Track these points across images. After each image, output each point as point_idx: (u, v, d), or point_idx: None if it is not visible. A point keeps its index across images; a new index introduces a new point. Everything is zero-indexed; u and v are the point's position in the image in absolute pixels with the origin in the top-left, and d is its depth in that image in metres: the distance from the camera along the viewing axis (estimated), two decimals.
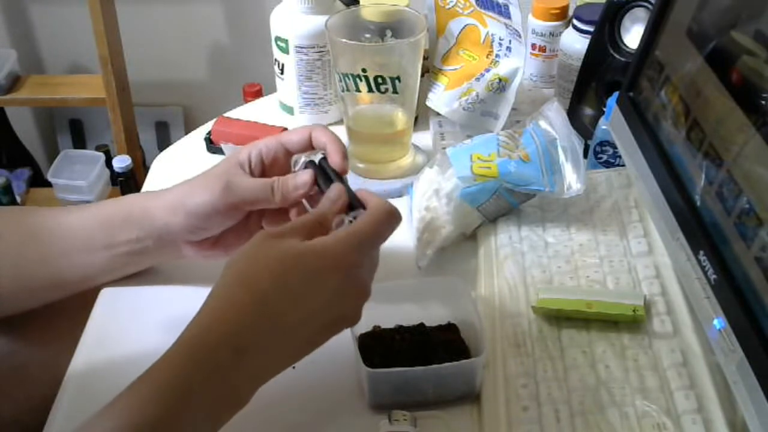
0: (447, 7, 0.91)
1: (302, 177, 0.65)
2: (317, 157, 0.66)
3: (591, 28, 0.86)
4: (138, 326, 0.69)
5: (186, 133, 0.99)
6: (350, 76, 0.79)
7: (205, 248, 0.68)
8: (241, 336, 0.52)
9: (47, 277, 0.68)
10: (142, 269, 0.72)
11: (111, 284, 0.72)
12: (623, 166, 0.77)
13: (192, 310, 0.54)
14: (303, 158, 0.66)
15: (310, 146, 0.66)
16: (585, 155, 0.80)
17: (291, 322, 0.53)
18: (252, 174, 0.66)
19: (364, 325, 0.63)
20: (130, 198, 0.70)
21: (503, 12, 0.90)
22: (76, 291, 0.70)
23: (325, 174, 0.66)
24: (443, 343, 0.62)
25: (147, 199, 0.68)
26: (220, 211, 0.65)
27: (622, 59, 0.83)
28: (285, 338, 0.54)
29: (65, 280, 0.69)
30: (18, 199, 1.87)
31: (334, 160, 0.65)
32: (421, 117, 0.93)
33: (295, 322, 0.53)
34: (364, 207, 0.61)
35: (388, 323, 0.63)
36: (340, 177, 0.65)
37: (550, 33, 0.95)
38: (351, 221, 0.60)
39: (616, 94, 0.74)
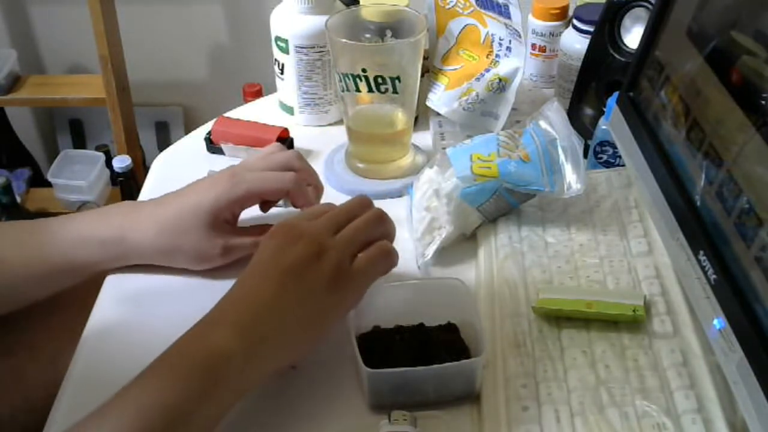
0: (447, 7, 0.91)
1: None
2: None
3: (591, 28, 0.86)
4: (142, 318, 0.69)
5: (186, 133, 0.99)
6: (350, 76, 0.79)
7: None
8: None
9: (53, 259, 0.69)
10: None
11: (117, 272, 0.72)
12: (623, 166, 0.77)
13: (198, 299, 0.57)
14: None
15: (286, 196, 0.71)
16: (585, 155, 0.80)
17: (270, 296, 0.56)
18: (234, 219, 0.71)
19: (363, 325, 0.63)
20: (111, 246, 0.70)
21: (503, 12, 0.90)
22: (86, 275, 0.71)
23: None
24: (443, 343, 0.62)
25: (133, 247, 0.70)
26: (214, 265, 0.71)
27: (622, 59, 0.83)
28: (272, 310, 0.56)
29: (73, 263, 0.69)
30: (18, 199, 1.87)
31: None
32: (421, 117, 0.93)
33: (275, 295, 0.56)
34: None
35: (388, 323, 0.63)
36: None
37: (550, 33, 0.95)
38: None
39: (616, 94, 0.74)
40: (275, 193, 0.70)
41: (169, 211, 0.69)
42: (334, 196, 0.83)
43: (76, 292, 0.72)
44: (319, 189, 0.74)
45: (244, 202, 0.70)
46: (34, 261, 0.68)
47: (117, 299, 0.71)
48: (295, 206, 0.72)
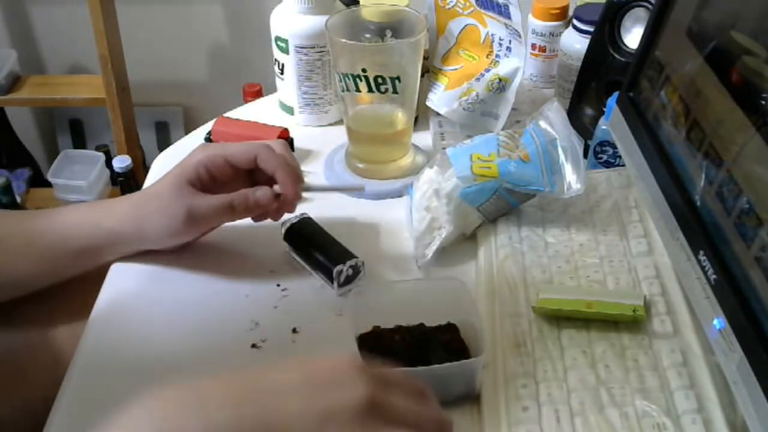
0: (447, 7, 0.91)
1: (262, 191, 0.68)
2: (296, 219, 0.73)
3: (591, 28, 0.86)
4: (143, 319, 0.69)
5: (186, 133, 0.99)
6: (350, 76, 0.79)
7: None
8: None
9: (51, 238, 0.69)
10: None
11: (121, 261, 0.73)
12: (623, 166, 0.77)
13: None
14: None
15: (255, 164, 0.68)
16: (585, 155, 0.80)
17: None
18: (203, 188, 0.68)
19: (363, 325, 0.63)
20: (101, 222, 0.70)
21: (503, 12, 0.90)
22: (85, 263, 0.71)
23: (307, 233, 0.73)
24: (443, 343, 0.62)
25: (111, 223, 0.70)
26: (183, 233, 0.70)
27: (622, 59, 0.83)
28: None
29: (70, 245, 0.70)
30: (18, 199, 1.87)
31: (285, 190, 0.69)
32: (421, 117, 0.93)
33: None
34: (355, 256, 0.69)
35: (388, 323, 0.63)
36: (323, 235, 0.72)
37: (550, 33, 0.95)
38: (350, 268, 0.68)
39: (616, 94, 0.74)
40: (242, 157, 0.68)
41: (147, 189, 0.70)
42: (334, 195, 0.83)
43: (76, 293, 0.72)
44: (299, 179, 0.71)
45: (210, 164, 0.68)
46: (33, 244, 0.69)
47: (117, 301, 0.71)
48: (265, 170, 0.68)
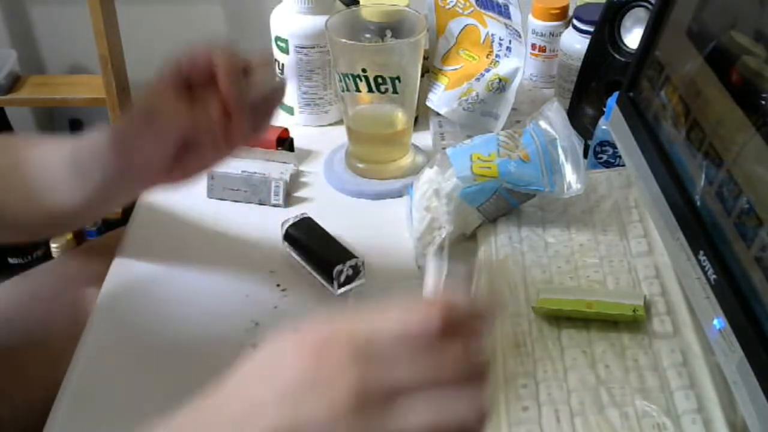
0: (447, 7, 0.91)
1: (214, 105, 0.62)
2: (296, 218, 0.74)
3: (591, 28, 0.86)
4: (143, 319, 0.69)
5: None
6: (350, 76, 0.79)
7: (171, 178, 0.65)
8: None
9: (34, 210, 0.65)
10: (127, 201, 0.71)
11: (122, 259, 0.73)
12: (623, 166, 0.77)
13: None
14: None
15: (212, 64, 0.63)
16: (585, 155, 0.80)
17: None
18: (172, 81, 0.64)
19: None
20: (90, 143, 0.68)
21: (503, 12, 0.90)
22: (69, 224, 0.68)
23: (307, 233, 0.73)
24: None
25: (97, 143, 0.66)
26: (147, 133, 0.62)
27: (622, 59, 0.83)
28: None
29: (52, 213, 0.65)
30: None
31: (223, 90, 0.63)
32: (421, 117, 0.93)
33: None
34: (355, 256, 0.69)
35: None
36: (323, 235, 0.72)
37: (550, 33, 0.95)
38: (350, 268, 0.69)
39: (616, 94, 0.74)
40: (202, 66, 0.65)
41: None
42: (334, 195, 0.83)
43: (76, 292, 0.72)
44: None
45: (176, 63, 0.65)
46: (22, 182, 0.65)
47: (117, 301, 0.71)
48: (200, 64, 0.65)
